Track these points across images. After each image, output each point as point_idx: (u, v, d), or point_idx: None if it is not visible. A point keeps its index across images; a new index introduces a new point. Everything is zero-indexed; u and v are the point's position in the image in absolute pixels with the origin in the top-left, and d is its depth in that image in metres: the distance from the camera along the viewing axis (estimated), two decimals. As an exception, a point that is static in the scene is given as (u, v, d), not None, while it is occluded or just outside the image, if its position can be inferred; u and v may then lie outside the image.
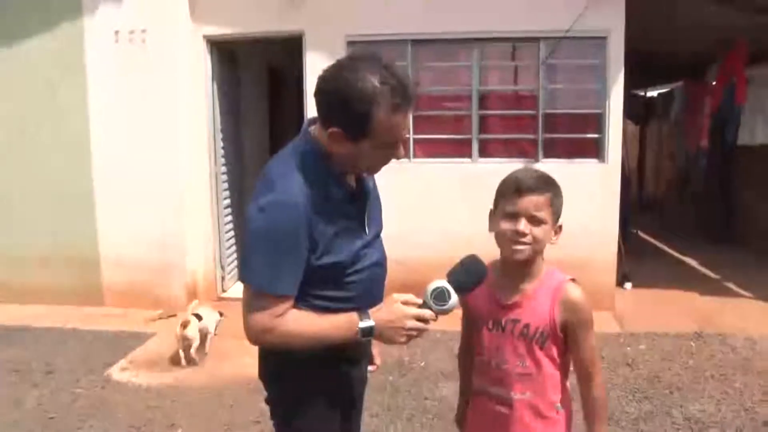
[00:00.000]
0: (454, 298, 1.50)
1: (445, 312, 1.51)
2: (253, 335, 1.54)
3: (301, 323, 1.53)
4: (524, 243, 1.56)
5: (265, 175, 1.55)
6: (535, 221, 1.56)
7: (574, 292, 1.61)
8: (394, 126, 1.48)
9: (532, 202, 1.55)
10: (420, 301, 1.52)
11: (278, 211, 1.47)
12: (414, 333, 1.52)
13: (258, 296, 1.51)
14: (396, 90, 1.45)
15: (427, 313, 1.51)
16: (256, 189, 1.55)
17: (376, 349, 1.93)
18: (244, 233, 1.56)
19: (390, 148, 1.54)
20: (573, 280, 1.63)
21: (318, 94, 1.51)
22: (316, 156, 1.55)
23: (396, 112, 1.46)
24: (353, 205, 1.61)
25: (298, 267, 1.51)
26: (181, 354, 4.14)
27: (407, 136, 1.57)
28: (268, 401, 1.75)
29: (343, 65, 1.49)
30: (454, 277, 1.52)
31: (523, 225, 1.55)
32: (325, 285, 1.57)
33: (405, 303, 1.52)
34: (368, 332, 1.51)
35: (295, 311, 1.54)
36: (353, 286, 1.60)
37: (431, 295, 1.50)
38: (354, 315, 1.52)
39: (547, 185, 1.59)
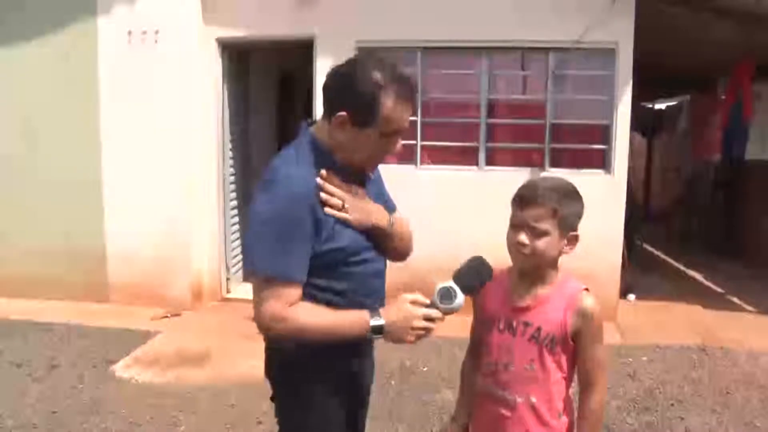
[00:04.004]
0: (460, 297, 1.55)
1: (452, 311, 1.56)
2: (265, 324, 1.55)
3: (313, 316, 1.54)
4: (524, 254, 1.59)
5: (269, 169, 1.60)
6: (535, 233, 1.57)
7: (589, 302, 1.62)
8: (399, 115, 1.55)
9: (531, 214, 1.57)
10: (428, 301, 1.56)
11: (283, 198, 1.52)
12: (422, 332, 1.55)
13: (268, 283, 1.53)
14: (401, 82, 1.55)
15: (434, 312, 1.55)
16: (261, 181, 1.59)
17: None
18: (248, 225, 1.60)
19: (390, 139, 1.59)
20: (587, 290, 1.65)
21: (327, 83, 1.59)
22: (316, 147, 1.61)
23: (400, 101, 1.54)
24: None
25: (305, 253, 1.54)
26: None
27: (407, 127, 1.61)
28: (273, 398, 1.76)
29: (352, 61, 1.61)
30: (460, 277, 1.57)
31: (522, 237, 1.58)
32: (326, 273, 1.59)
33: (413, 303, 1.55)
34: (378, 330, 1.54)
35: (306, 303, 1.56)
36: (354, 276, 1.62)
37: (438, 294, 1.55)
38: (365, 312, 1.55)
39: (553, 196, 1.57)
